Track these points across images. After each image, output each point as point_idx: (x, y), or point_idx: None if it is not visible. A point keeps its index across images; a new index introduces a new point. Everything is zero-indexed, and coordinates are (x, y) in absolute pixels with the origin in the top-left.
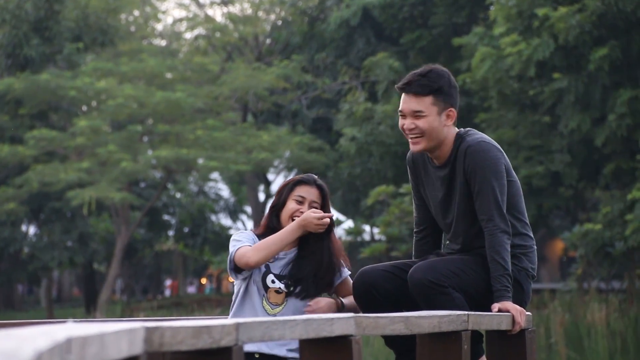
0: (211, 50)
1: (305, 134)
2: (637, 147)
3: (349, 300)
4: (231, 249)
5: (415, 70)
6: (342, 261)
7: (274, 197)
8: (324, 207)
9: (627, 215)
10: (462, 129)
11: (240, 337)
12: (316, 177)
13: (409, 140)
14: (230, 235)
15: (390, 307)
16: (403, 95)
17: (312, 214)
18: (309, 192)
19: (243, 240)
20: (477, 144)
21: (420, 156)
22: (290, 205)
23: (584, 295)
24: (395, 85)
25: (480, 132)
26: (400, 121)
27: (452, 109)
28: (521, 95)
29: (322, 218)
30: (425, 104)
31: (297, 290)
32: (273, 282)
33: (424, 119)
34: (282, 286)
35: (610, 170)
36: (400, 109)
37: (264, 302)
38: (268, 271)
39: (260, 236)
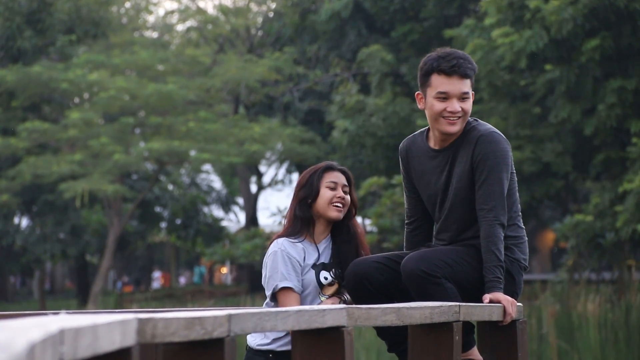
0: (203, 42)
1: (297, 126)
2: (627, 137)
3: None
4: (273, 274)
5: (445, 51)
6: (366, 245)
7: (299, 191)
8: (351, 192)
9: (617, 207)
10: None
11: (233, 328)
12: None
13: (446, 122)
14: (223, 228)
15: (382, 298)
16: (443, 77)
17: None
18: (339, 177)
19: (291, 274)
20: (490, 134)
21: (413, 145)
22: (326, 193)
23: (574, 286)
24: (438, 67)
25: (488, 123)
26: (440, 104)
27: (473, 92)
28: (512, 87)
29: None
30: (469, 86)
31: (342, 276)
32: (326, 278)
33: (468, 101)
34: (333, 278)
35: (600, 160)
36: (444, 90)
37: (321, 297)
38: (318, 269)
39: (297, 237)
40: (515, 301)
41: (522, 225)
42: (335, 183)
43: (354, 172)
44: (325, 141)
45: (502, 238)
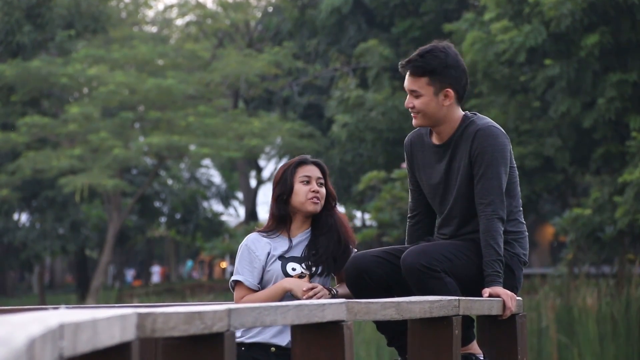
0: (202, 36)
1: (297, 120)
2: (627, 131)
3: (343, 289)
4: (236, 266)
5: (420, 48)
6: (351, 235)
7: (275, 187)
8: (327, 183)
9: (616, 197)
10: (468, 111)
11: (232, 322)
12: (309, 157)
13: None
14: (222, 222)
15: (382, 292)
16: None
17: (301, 282)
18: (312, 171)
19: (245, 268)
20: (487, 128)
21: (418, 139)
22: (300, 188)
23: (574, 280)
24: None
25: (487, 117)
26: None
27: (449, 89)
28: (511, 80)
29: (310, 289)
30: (420, 84)
31: (319, 270)
32: (294, 269)
33: (420, 99)
34: (303, 270)
35: (599, 154)
36: (404, 86)
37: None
38: (285, 261)
39: (271, 232)
40: (515, 295)
41: (522, 220)
42: (309, 177)
43: (353, 166)
44: (324, 135)
45: (501, 232)
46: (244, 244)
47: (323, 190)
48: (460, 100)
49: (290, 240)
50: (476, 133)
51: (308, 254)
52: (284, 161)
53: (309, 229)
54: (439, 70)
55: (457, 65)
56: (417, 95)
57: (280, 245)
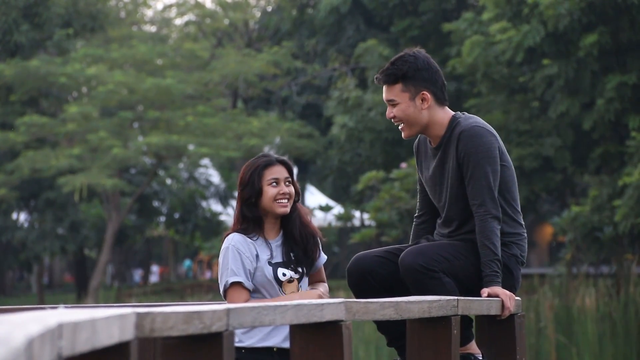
0: (201, 36)
1: (295, 120)
2: (626, 132)
3: (324, 289)
4: (224, 271)
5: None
6: (312, 226)
7: (242, 190)
8: (293, 181)
9: (615, 201)
10: (457, 112)
11: (231, 322)
12: (273, 154)
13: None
14: (221, 222)
15: (385, 292)
16: None
17: (310, 294)
18: (279, 172)
19: (237, 268)
20: (471, 129)
21: (423, 141)
22: (269, 191)
23: (573, 280)
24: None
25: (474, 116)
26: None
27: (425, 92)
28: (510, 80)
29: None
30: (395, 92)
31: (304, 272)
32: (284, 274)
33: (397, 107)
34: (292, 274)
35: (598, 154)
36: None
37: (282, 295)
38: (275, 266)
39: (251, 234)
40: (514, 295)
41: (521, 221)
42: (277, 179)
43: (352, 166)
44: (323, 135)
45: (497, 231)
46: (231, 244)
47: (292, 189)
48: (442, 101)
49: (270, 245)
50: (460, 135)
51: (289, 258)
52: None
53: (282, 231)
54: (410, 74)
55: (429, 67)
56: (395, 104)
57: (263, 249)
